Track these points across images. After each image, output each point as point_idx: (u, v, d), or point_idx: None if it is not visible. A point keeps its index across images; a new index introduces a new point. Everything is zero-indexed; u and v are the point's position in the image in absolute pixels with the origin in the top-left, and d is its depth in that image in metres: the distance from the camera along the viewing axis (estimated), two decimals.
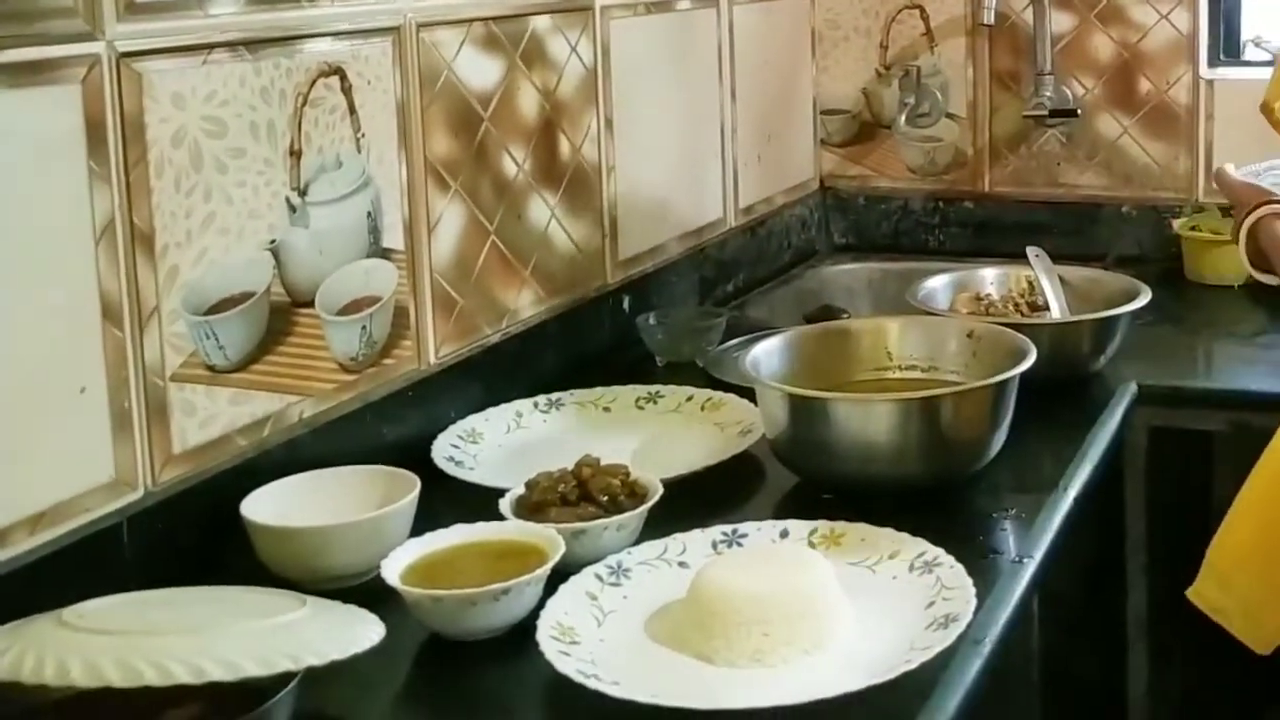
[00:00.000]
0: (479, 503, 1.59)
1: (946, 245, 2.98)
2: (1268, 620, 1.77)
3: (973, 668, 1.35)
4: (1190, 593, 1.81)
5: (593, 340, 2.21)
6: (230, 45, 1.57)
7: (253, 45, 1.59)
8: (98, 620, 1.22)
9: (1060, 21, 2.86)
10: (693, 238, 2.54)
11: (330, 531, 1.48)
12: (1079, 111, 2.87)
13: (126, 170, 1.44)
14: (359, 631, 1.29)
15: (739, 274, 2.68)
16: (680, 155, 2.49)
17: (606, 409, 1.96)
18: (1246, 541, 1.80)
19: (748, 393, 1.81)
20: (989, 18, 2.72)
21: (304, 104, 1.66)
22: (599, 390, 1.99)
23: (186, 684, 1.13)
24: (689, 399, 1.96)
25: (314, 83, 1.67)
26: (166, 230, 1.49)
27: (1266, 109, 1.75)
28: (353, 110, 1.73)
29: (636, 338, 2.24)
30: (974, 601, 1.38)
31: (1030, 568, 1.55)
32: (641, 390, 1.99)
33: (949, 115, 2.97)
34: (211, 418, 1.55)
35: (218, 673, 1.14)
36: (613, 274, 2.29)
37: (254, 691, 1.18)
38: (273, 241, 1.63)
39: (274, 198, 1.63)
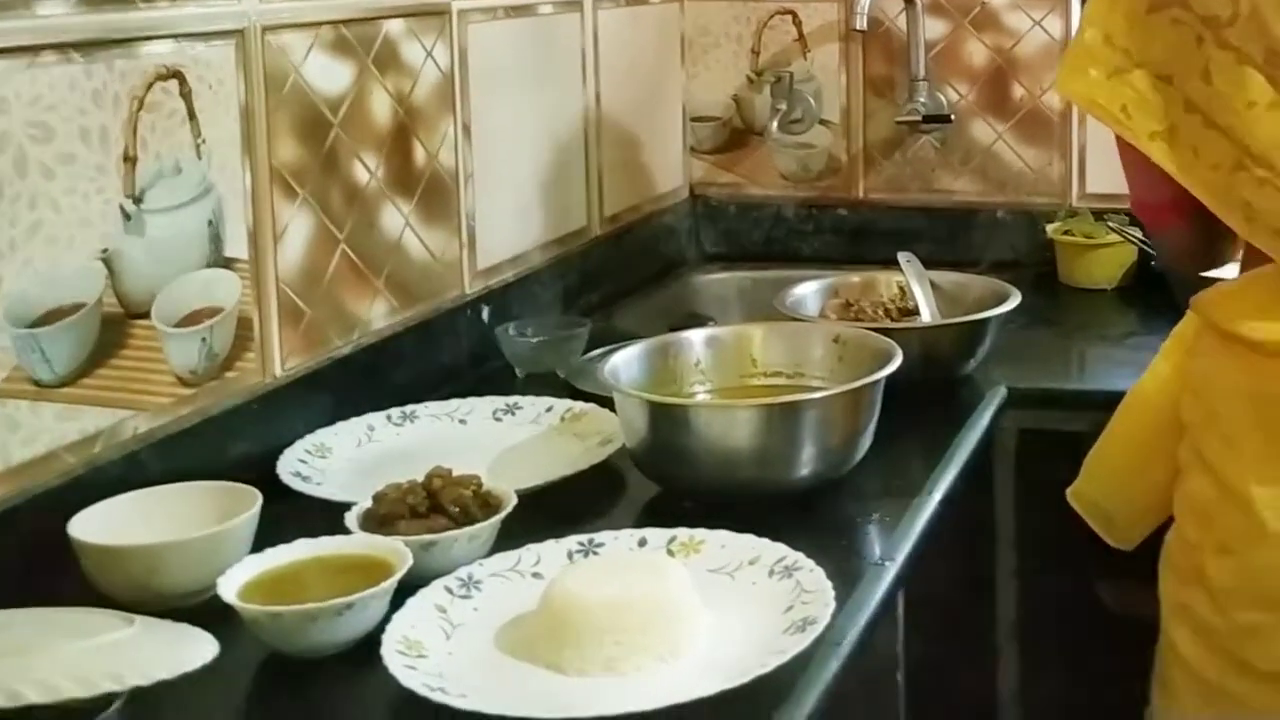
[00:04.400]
0: (327, 519, 1.55)
1: (821, 253, 2.96)
2: (1124, 520, 1.79)
3: (830, 670, 1.33)
4: (1070, 492, 1.83)
5: (450, 352, 2.16)
6: (59, 48, 1.51)
7: (83, 48, 1.54)
8: None
9: (934, 28, 2.86)
10: (556, 246, 2.50)
11: (163, 550, 1.43)
12: (953, 117, 2.86)
13: None
14: (190, 650, 1.25)
15: (605, 284, 2.65)
16: (542, 162, 2.45)
17: (463, 421, 1.92)
18: (1114, 449, 1.82)
19: (610, 403, 1.78)
20: (861, 23, 2.71)
21: (139, 108, 1.61)
22: (455, 402, 1.94)
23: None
24: (548, 410, 1.93)
25: (150, 86, 1.62)
26: None
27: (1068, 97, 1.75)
28: (192, 115, 1.68)
29: (496, 349, 2.20)
30: (833, 605, 1.36)
31: (893, 570, 1.54)
32: (499, 402, 1.95)
33: (822, 122, 2.95)
34: (36, 434, 1.49)
35: (34, 695, 1.10)
36: (471, 284, 2.24)
37: (76, 715, 1.13)
38: (105, 251, 1.57)
39: (107, 205, 1.57)
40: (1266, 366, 1.59)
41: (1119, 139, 1.68)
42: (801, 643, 1.30)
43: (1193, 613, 1.65)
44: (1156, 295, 2.36)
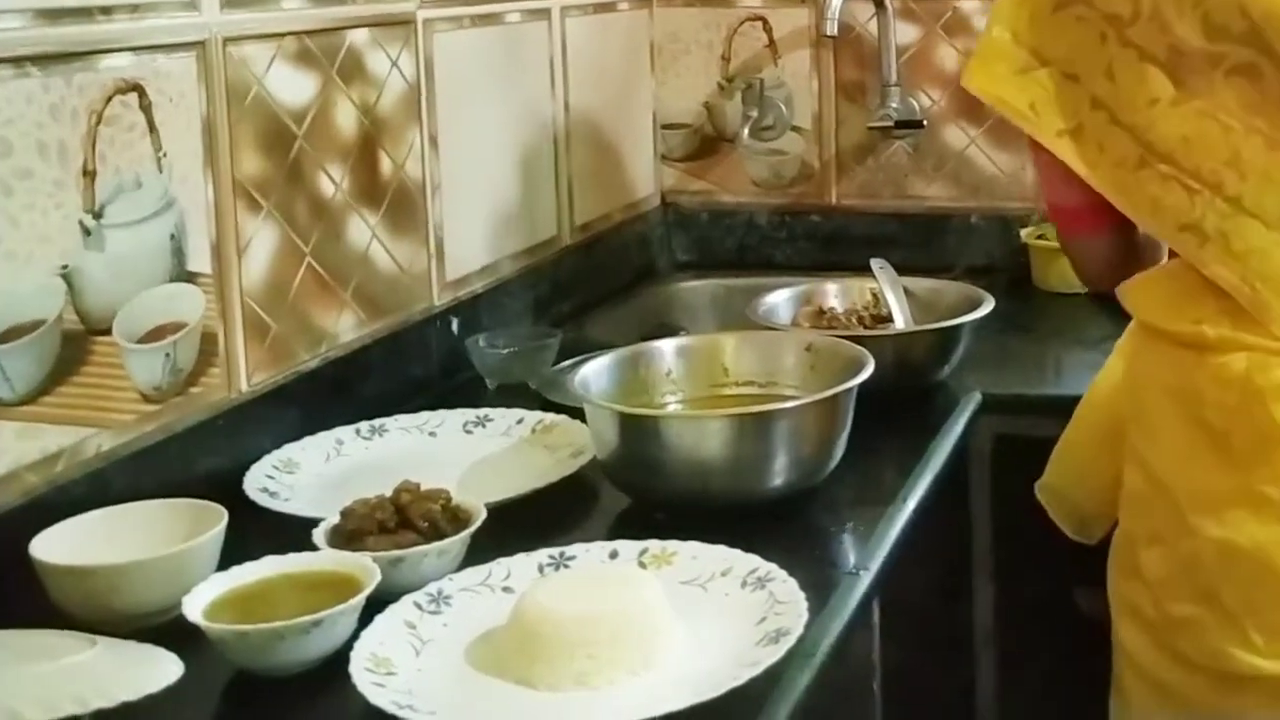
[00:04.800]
0: (295, 535, 1.53)
1: (794, 260, 2.95)
2: (1090, 514, 1.81)
3: (803, 681, 1.32)
4: (1037, 485, 1.85)
5: (419, 364, 2.15)
6: (15, 61, 1.49)
7: (41, 61, 1.52)
8: None
9: (905, 33, 2.85)
10: (526, 257, 2.48)
11: (126, 569, 1.41)
12: (925, 123, 2.86)
13: None
14: (153, 671, 1.25)
15: (576, 293, 2.63)
16: (511, 172, 2.44)
17: (432, 434, 1.90)
18: (1075, 444, 1.84)
19: (582, 415, 1.77)
20: (832, 29, 2.70)
21: (98, 122, 1.59)
22: (425, 415, 1.93)
23: None
24: (519, 422, 1.91)
25: (109, 100, 1.60)
26: None
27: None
28: (153, 128, 1.66)
29: (466, 361, 2.19)
30: (805, 615, 1.35)
31: (866, 579, 1.53)
32: (470, 414, 1.93)
33: (794, 128, 2.95)
34: None
35: None
36: (440, 295, 2.22)
37: None
38: (65, 267, 1.55)
39: (66, 221, 1.55)
40: (1182, 358, 1.60)
41: (1031, 141, 1.69)
42: (775, 654, 1.29)
43: (1134, 606, 1.66)
44: None
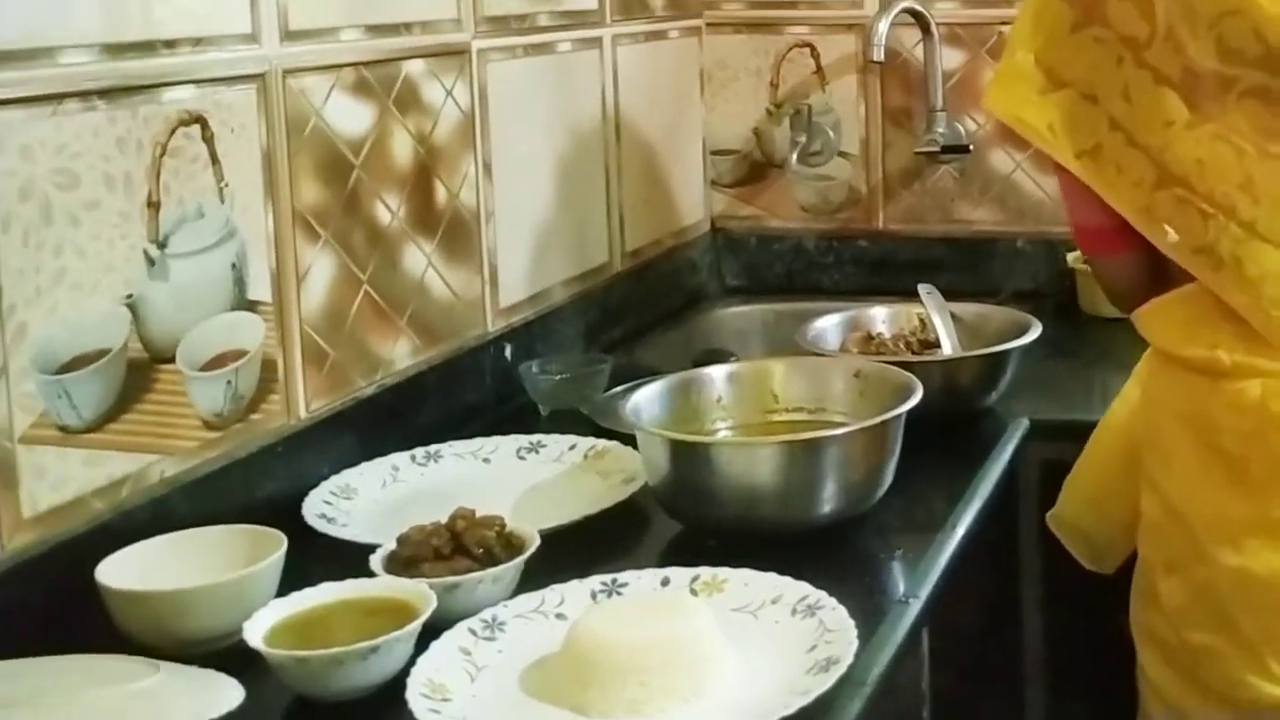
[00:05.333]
0: (352, 560, 1.55)
1: (841, 285, 2.96)
2: (1102, 543, 1.82)
3: (854, 710, 1.33)
4: (1048, 516, 1.87)
5: (473, 390, 2.16)
6: (82, 95, 1.52)
7: (107, 95, 1.55)
8: None
9: (951, 58, 2.86)
10: (578, 283, 2.50)
11: (190, 594, 1.43)
12: (971, 147, 2.86)
13: None
14: (215, 696, 1.26)
15: (627, 319, 2.65)
16: (563, 199, 2.46)
17: (486, 460, 1.92)
18: (1089, 473, 1.85)
19: (633, 440, 1.78)
20: (879, 55, 2.71)
21: (163, 154, 1.62)
22: (479, 441, 1.95)
23: None
24: (572, 448, 1.93)
25: (173, 132, 1.63)
26: (14, 287, 1.44)
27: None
28: (215, 160, 1.69)
29: (519, 387, 2.20)
30: (855, 643, 1.36)
31: (916, 607, 1.54)
32: (523, 440, 1.95)
33: (841, 153, 2.96)
34: (64, 480, 1.50)
35: None
36: (493, 322, 2.24)
37: None
38: (129, 296, 1.58)
39: (131, 251, 1.58)
40: (1196, 383, 1.60)
41: (1054, 163, 1.69)
42: (825, 683, 1.30)
43: (1155, 635, 1.67)
44: None
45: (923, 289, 2.26)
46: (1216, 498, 1.59)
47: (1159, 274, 1.70)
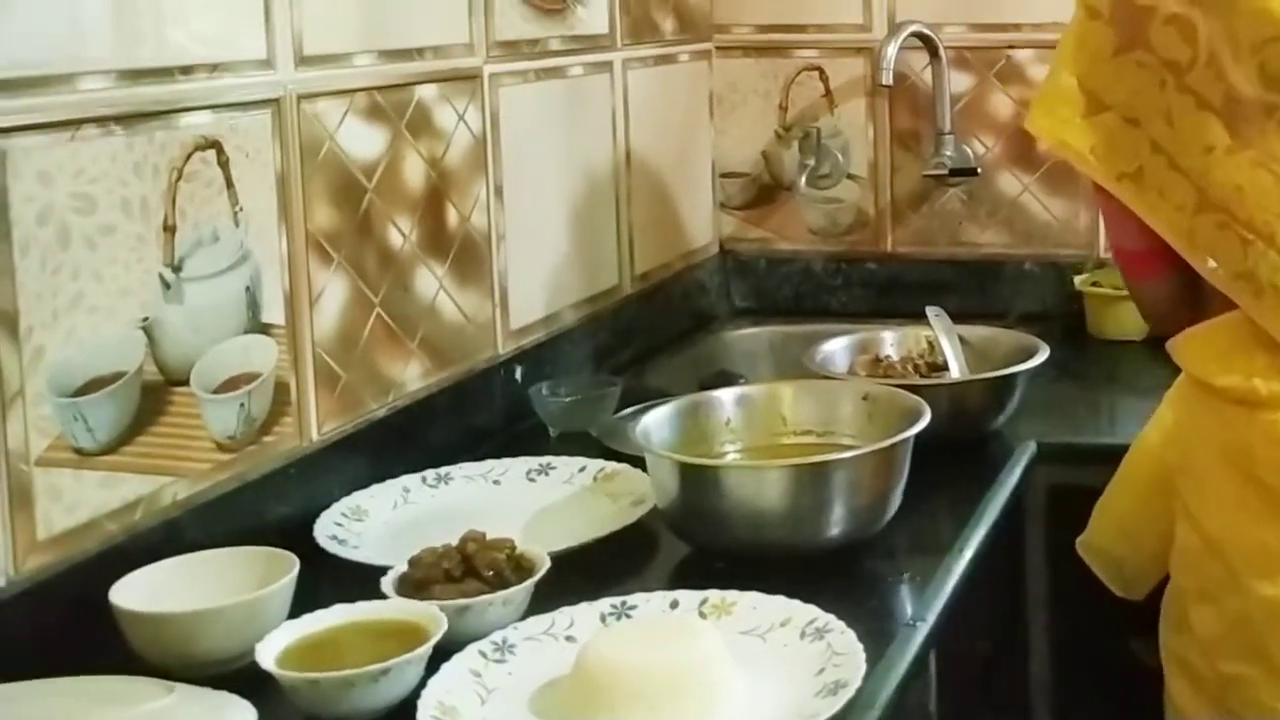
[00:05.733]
0: (363, 582, 1.56)
1: (849, 307, 2.97)
2: (1132, 570, 1.81)
3: None
4: (1079, 542, 1.86)
5: (484, 412, 2.18)
6: (100, 121, 1.54)
7: (124, 120, 1.57)
8: None
9: (959, 81, 2.88)
10: (588, 305, 2.51)
11: (202, 616, 1.44)
12: (979, 170, 2.88)
13: None
14: (228, 717, 1.27)
15: (637, 341, 2.66)
16: (574, 222, 2.47)
17: (496, 482, 1.93)
18: (1120, 499, 1.85)
19: (642, 463, 1.79)
20: (887, 78, 2.72)
21: (178, 179, 1.63)
22: (489, 463, 1.96)
23: None
24: (581, 470, 1.94)
25: (189, 157, 1.65)
26: (31, 310, 1.45)
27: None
28: (230, 184, 1.71)
29: (529, 409, 2.21)
30: (863, 667, 1.37)
31: (924, 630, 1.55)
32: (533, 462, 1.96)
33: (850, 176, 2.97)
34: (79, 502, 1.51)
35: None
36: (504, 344, 2.26)
37: None
38: (145, 319, 1.59)
39: (147, 274, 1.59)
40: (1233, 413, 1.60)
41: (1095, 185, 1.69)
42: (834, 706, 1.31)
43: (1185, 662, 1.66)
44: None
45: (931, 311, 2.27)
46: (1253, 528, 1.58)
47: (1198, 297, 1.70)
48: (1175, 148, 1.59)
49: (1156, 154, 1.60)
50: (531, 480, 1.94)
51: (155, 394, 1.61)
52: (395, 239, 2.00)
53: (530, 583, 1.54)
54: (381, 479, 1.89)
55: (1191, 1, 1.57)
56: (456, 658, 1.42)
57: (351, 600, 1.49)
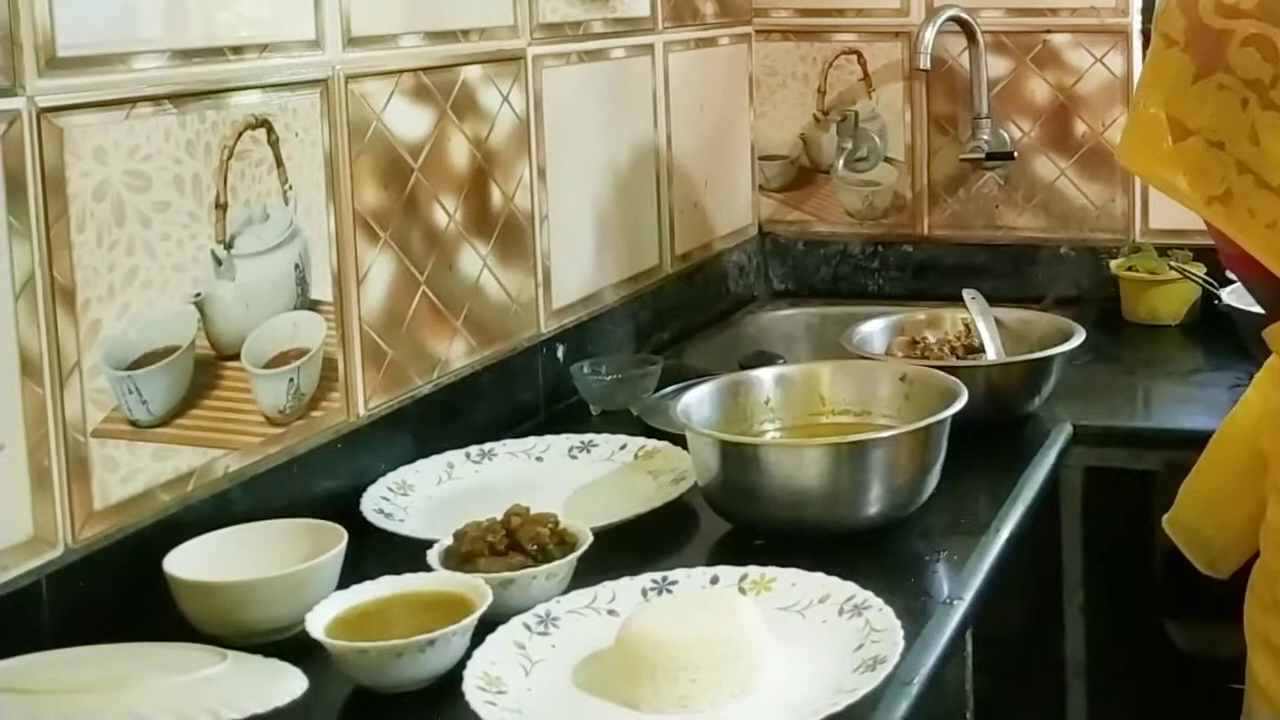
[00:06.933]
0: (409, 555, 1.59)
1: (886, 289, 2.99)
2: (1219, 548, 1.79)
3: (899, 709, 1.35)
4: (1165, 519, 1.83)
5: (526, 390, 2.20)
6: (154, 99, 1.56)
7: (177, 99, 1.59)
8: (14, 679, 1.22)
9: (996, 66, 2.89)
10: (628, 285, 2.53)
11: (254, 586, 1.47)
12: (1016, 154, 2.89)
13: (47, 225, 1.44)
14: (280, 685, 1.29)
15: (676, 321, 2.68)
16: (615, 203, 2.49)
17: (539, 459, 1.95)
18: (1207, 478, 1.82)
19: (682, 440, 1.81)
20: (925, 62, 2.73)
21: (230, 157, 1.66)
22: (531, 440, 1.98)
23: None
24: (622, 448, 1.96)
25: (240, 135, 1.67)
26: (88, 285, 1.48)
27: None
28: (280, 162, 1.73)
29: (571, 387, 2.23)
30: (901, 643, 1.39)
31: (960, 609, 1.56)
32: (575, 439, 1.98)
33: (887, 159, 2.98)
34: (134, 473, 1.54)
35: None
36: (546, 323, 2.28)
37: None
38: (198, 295, 1.62)
39: (199, 251, 1.62)
40: None
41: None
42: (872, 681, 1.32)
43: (1271, 641, 1.66)
44: (1221, 332, 2.37)
45: (967, 294, 2.28)
46: None
47: None
48: (1262, 165, 1.57)
49: (1244, 174, 1.59)
50: (573, 457, 1.96)
51: (207, 368, 1.64)
52: (440, 218, 2.02)
53: (573, 557, 1.55)
54: (426, 454, 1.91)
55: (1269, 20, 1.58)
56: (501, 629, 1.44)
57: (398, 573, 1.51)
